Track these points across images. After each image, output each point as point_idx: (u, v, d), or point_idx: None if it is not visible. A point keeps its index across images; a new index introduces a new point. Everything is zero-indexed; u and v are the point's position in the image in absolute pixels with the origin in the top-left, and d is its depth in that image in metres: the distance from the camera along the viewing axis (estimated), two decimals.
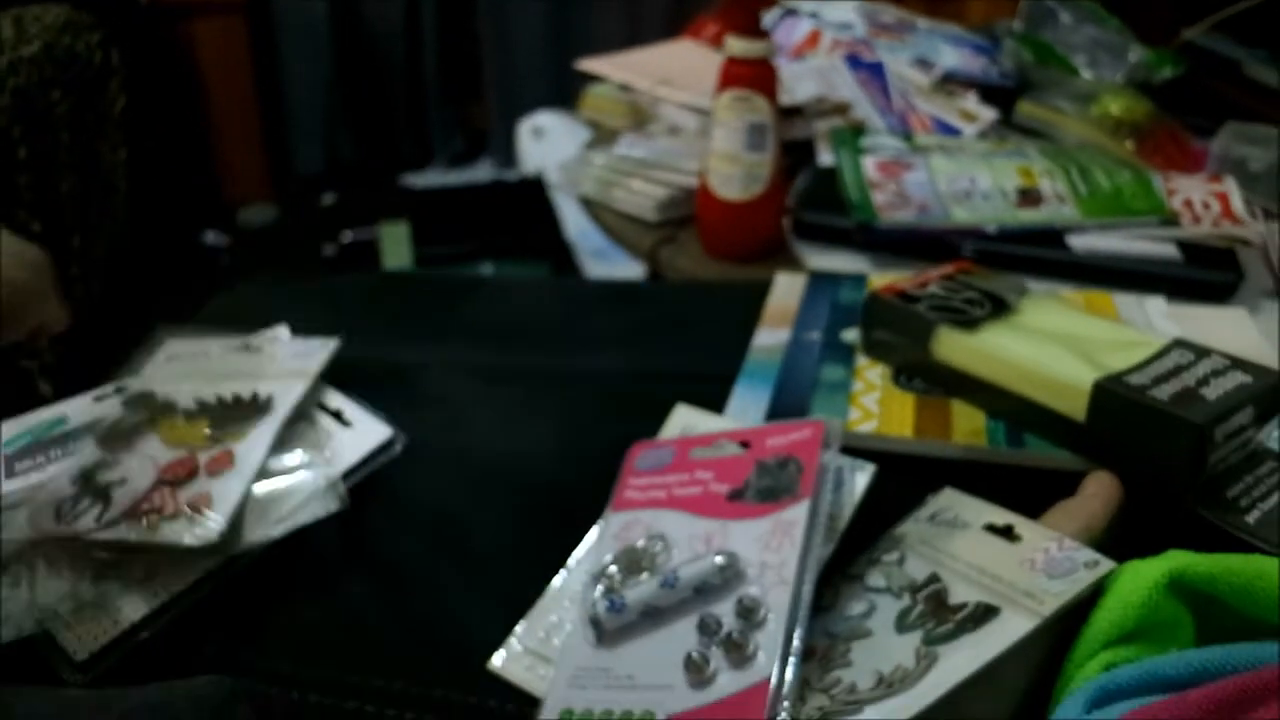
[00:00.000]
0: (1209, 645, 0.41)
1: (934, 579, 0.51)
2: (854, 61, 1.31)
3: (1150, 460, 0.56)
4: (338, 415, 0.68)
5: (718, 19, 1.74)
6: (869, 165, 1.09)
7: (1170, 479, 0.56)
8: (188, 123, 2.40)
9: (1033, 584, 0.48)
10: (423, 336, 0.83)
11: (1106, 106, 1.28)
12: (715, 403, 0.68)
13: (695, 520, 0.57)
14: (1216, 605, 0.45)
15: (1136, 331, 0.65)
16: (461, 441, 0.69)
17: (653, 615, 0.53)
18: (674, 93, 1.24)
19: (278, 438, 0.65)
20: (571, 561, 0.59)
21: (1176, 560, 0.46)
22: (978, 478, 0.61)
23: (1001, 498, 0.57)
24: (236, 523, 0.59)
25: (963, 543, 0.53)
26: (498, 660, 0.55)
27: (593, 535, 0.60)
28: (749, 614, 0.51)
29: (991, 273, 0.72)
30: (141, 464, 0.64)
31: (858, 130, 1.19)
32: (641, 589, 0.54)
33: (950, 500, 0.57)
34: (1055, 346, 0.62)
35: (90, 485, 0.63)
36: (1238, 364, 0.58)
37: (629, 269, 2.23)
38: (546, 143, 2.45)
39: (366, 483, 0.64)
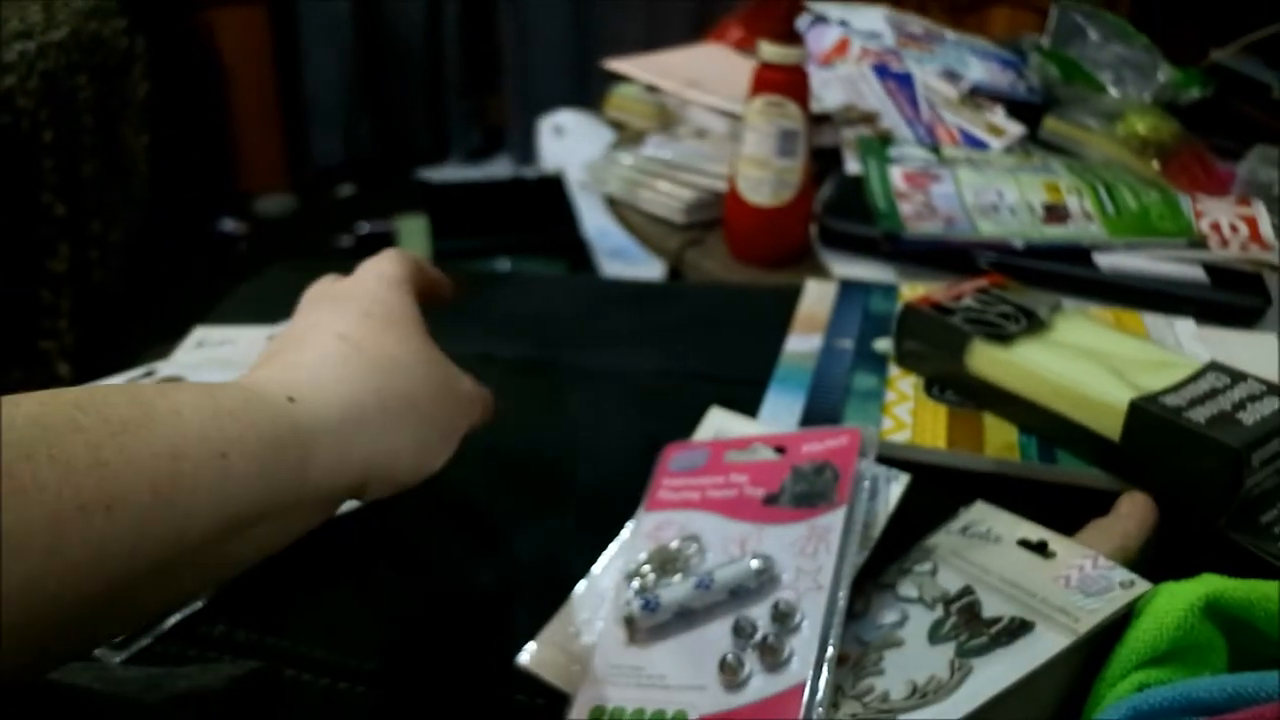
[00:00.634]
0: (1242, 670, 0.42)
1: (967, 591, 0.51)
2: (882, 71, 1.31)
3: (1185, 482, 0.56)
4: None
5: (742, 23, 1.74)
6: (896, 175, 1.09)
7: (1204, 502, 0.56)
8: (208, 111, 2.40)
9: (1067, 601, 0.48)
10: (451, 327, 0.83)
11: (1133, 125, 1.28)
12: (744, 406, 0.68)
13: (729, 523, 0.57)
14: (1250, 631, 0.45)
15: (1170, 352, 0.65)
16: (490, 434, 0.69)
17: (686, 616, 0.54)
18: (702, 95, 1.24)
19: None
20: (603, 559, 0.59)
21: (1212, 584, 0.46)
22: (1009, 492, 0.61)
23: (1033, 513, 0.57)
24: None
25: (996, 556, 0.53)
26: (526, 655, 0.55)
27: (624, 534, 0.60)
28: (784, 619, 0.51)
29: (1024, 287, 0.72)
30: None
31: (885, 139, 1.19)
32: (676, 589, 0.54)
33: (982, 513, 0.57)
34: (1090, 364, 0.62)
35: None
36: (1274, 389, 0.59)
37: (647, 269, 2.24)
38: (567, 141, 2.46)
39: None
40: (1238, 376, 0.60)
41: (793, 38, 0.98)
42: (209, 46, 2.44)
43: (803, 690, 0.48)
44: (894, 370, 0.70)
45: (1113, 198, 1.05)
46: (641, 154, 1.19)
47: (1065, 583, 0.49)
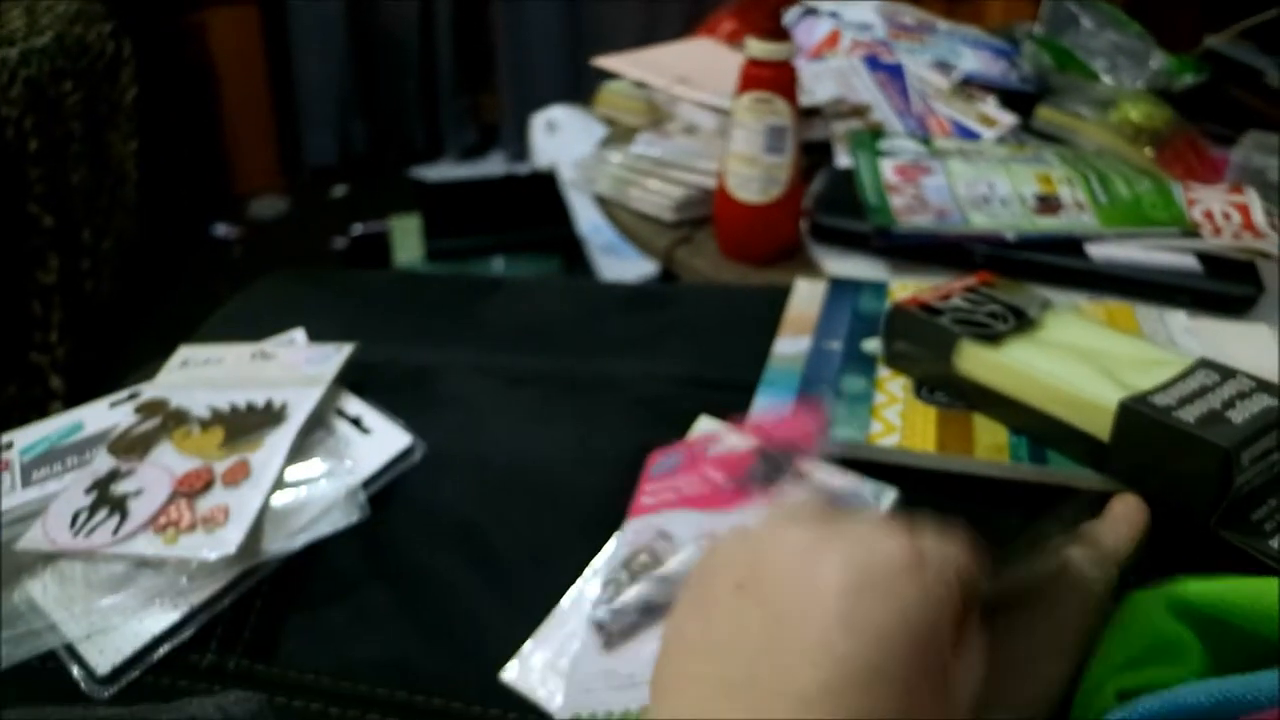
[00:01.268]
0: (1223, 668, 0.41)
1: None
2: (873, 63, 1.30)
3: (1175, 482, 0.56)
4: (356, 422, 0.68)
5: (734, 16, 1.73)
6: (887, 168, 1.08)
7: (1195, 501, 0.55)
8: (199, 113, 2.39)
9: None
10: (441, 338, 0.83)
11: (1126, 113, 1.27)
12: (736, 410, 0.68)
13: (701, 516, 0.57)
14: (1226, 627, 0.45)
15: (1160, 350, 0.64)
16: (481, 447, 0.68)
17: (654, 612, 0.53)
18: (691, 91, 1.23)
19: (294, 446, 0.64)
20: (587, 572, 0.59)
21: (1177, 585, 0.46)
22: (1000, 493, 0.61)
23: (1024, 513, 0.57)
24: (255, 535, 0.58)
25: None
26: (511, 672, 0.55)
27: (611, 545, 0.60)
28: None
29: (1014, 285, 0.71)
30: (157, 475, 0.63)
31: (876, 133, 1.18)
32: (638, 587, 0.54)
33: None
34: (1079, 363, 0.62)
35: (106, 496, 0.63)
36: (1264, 386, 0.58)
37: (641, 266, 2.23)
38: (560, 137, 2.45)
39: (385, 489, 0.64)
40: (1227, 373, 0.59)
41: (780, 33, 0.97)
42: (200, 48, 2.43)
43: None
44: (883, 371, 0.69)
45: (1105, 187, 1.05)
46: (631, 152, 1.19)
47: None
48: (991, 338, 0.64)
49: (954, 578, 0.36)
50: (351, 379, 0.71)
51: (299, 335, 0.78)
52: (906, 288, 0.79)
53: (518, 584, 0.60)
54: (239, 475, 0.62)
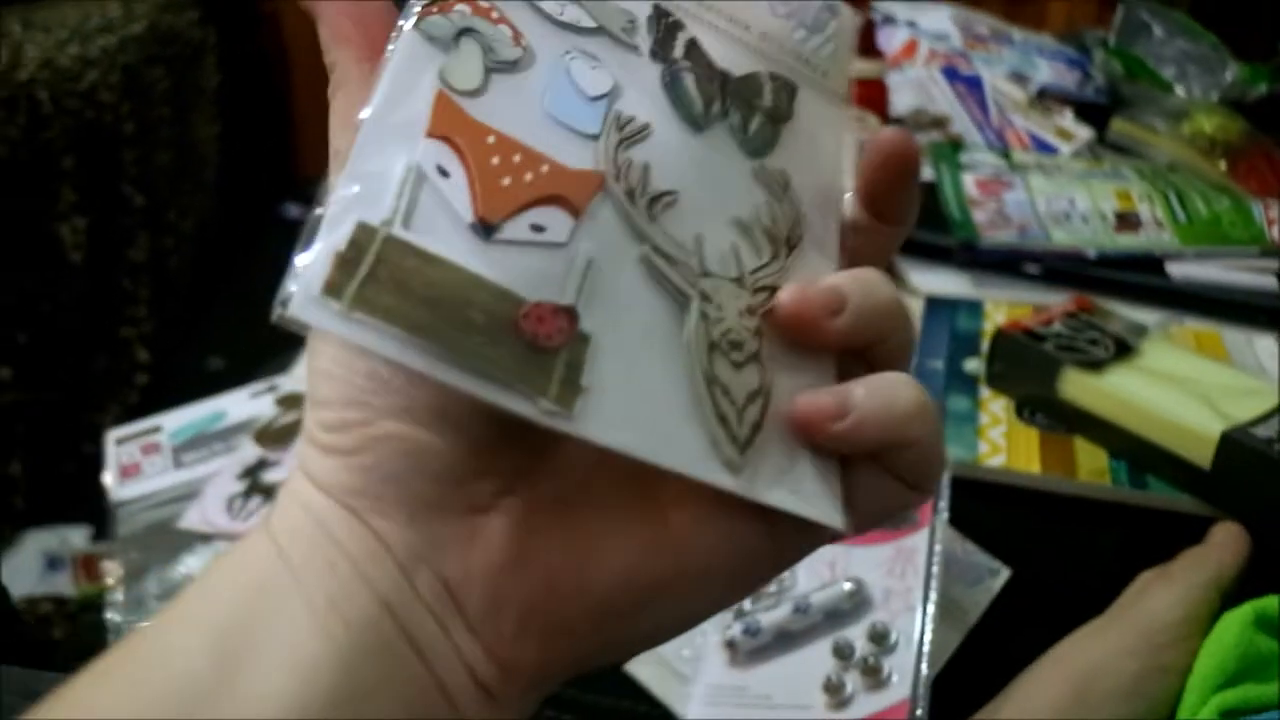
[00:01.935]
0: None
1: None
2: (951, 74, 1.33)
3: (1275, 510, 0.59)
4: None
5: None
6: (969, 182, 1.11)
7: None
8: (272, 98, 2.44)
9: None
10: None
11: (1200, 124, 1.29)
12: None
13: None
14: None
15: (1257, 379, 0.67)
16: None
17: (784, 638, 0.57)
18: None
19: None
20: None
21: (1260, 601, 0.49)
22: (1100, 516, 0.65)
23: (1123, 536, 0.60)
24: None
25: None
26: (633, 665, 0.59)
27: None
28: (880, 639, 0.55)
29: (1110, 311, 0.75)
30: None
31: (956, 145, 1.21)
32: (775, 614, 0.58)
33: None
34: (1179, 392, 0.65)
35: (257, 484, 0.67)
36: None
37: None
38: None
39: None
40: None
41: (872, 51, 1.01)
42: (274, 35, 2.48)
43: (905, 708, 0.52)
44: (984, 392, 0.73)
45: (1184, 205, 1.07)
46: None
47: None
48: (1094, 365, 0.68)
49: None
50: None
51: None
52: (1000, 307, 0.83)
53: None
54: None
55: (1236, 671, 0.49)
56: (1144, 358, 0.69)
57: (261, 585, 0.25)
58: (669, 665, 0.59)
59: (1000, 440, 0.68)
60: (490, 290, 0.25)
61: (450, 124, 0.27)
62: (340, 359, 0.26)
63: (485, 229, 0.26)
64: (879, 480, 0.28)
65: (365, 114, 0.27)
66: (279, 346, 0.82)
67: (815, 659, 0.56)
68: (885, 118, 1.01)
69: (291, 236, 0.25)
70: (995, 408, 0.71)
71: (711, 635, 0.58)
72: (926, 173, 1.18)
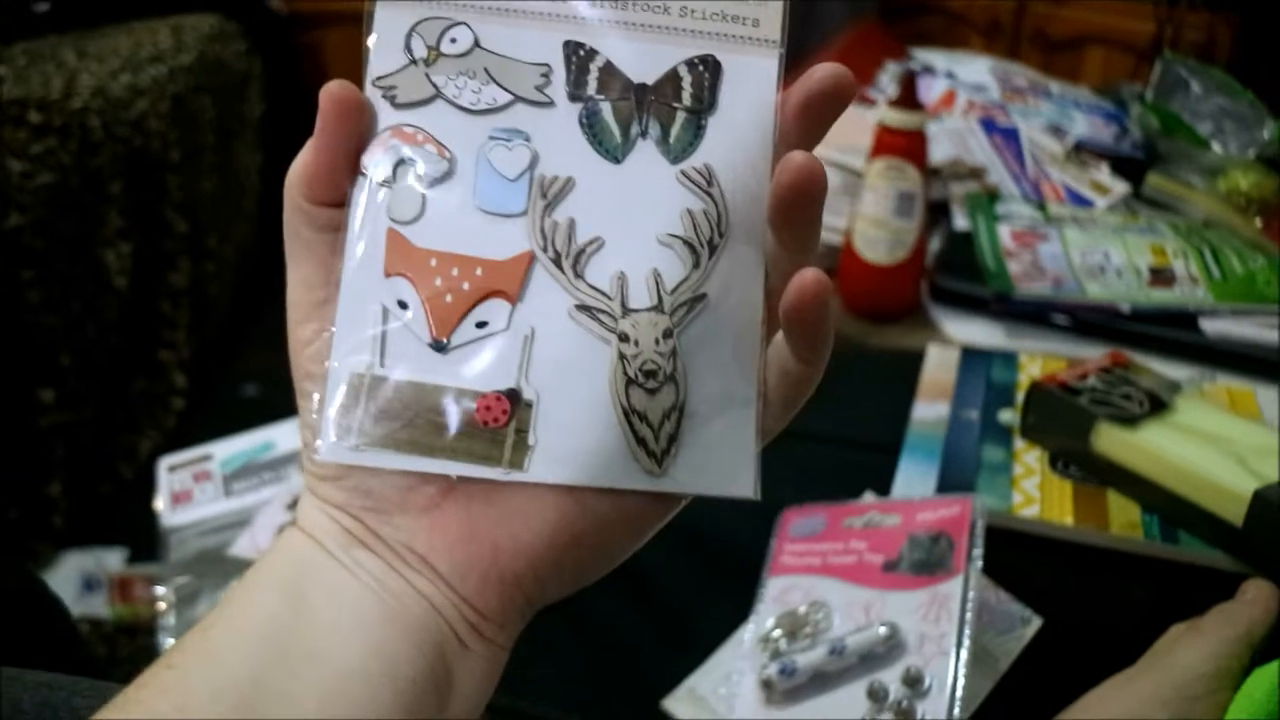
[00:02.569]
0: None
1: None
2: (989, 125, 1.35)
3: None
4: None
5: (838, 59, 1.78)
6: (1005, 234, 1.12)
7: None
8: (312, 127, 2.48)
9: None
10: None
11: (1235, 181, 1.30)
12: (869, 469, 0.72)
13: (853, 589, 0.62)
14: None
15: None
16: None
17: (820, 680, 0.58)
18: (820, 149, 1.28)
19: None
20: (748, 624, 0.64)
21: None
22: (1132, 568, 0.65)
23: (1154, 589, 0.61)
24: None
25: None
26: (673, 702, 0.60)
27: (760, 598, 0.65)
28: (915, 683, 0.56)
29: (1145, 368, 0.76)
30: None
31: (993, 196, 1.22)
32: (811, 655, 0.59)
33: None
34: (1213, 450, 0.66)
35: None
36: None
37: None
38: None
39: None
40: None
41: (915, 104, 1.02)
42: (316, 65, 2.52)
43: None
44: (1019, 442, 0.74)
45: (1219, 261, 1.08)
46: None
47: None
48: (1128, 420, 0.69)
49: None
50: None
51: None
52: (1035, 359, 0.84)
53: (675, 620, 0.65)
54: None
55: None
56: (1178, 414, 0.70)
57: (308, 557, 0.34)
58: (706, 704, 0.60)
59: (1034, 491, 0.69)
60: (452, 392, 0.33)
61: (400, 258, 0.34)
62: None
63: (439, 345, 0.33)
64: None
65: (343, 265, 0.33)
66: None
67: (850, 701, 0.57)
68: (924, 169, 1.03)
69: None
70: (1029, 459, 0.72)
71: (748, 675, 0.59)
72: (962, 223, 1.19)
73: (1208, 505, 0.64)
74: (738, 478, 0.34)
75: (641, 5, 0.35)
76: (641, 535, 0.35)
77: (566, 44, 0.35)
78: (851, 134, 1.06)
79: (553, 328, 0.33)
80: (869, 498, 0.70)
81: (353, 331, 0.33)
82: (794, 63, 0.36)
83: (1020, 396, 0.78)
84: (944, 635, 0.57)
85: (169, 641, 0.62)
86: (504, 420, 0.33)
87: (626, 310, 0.34)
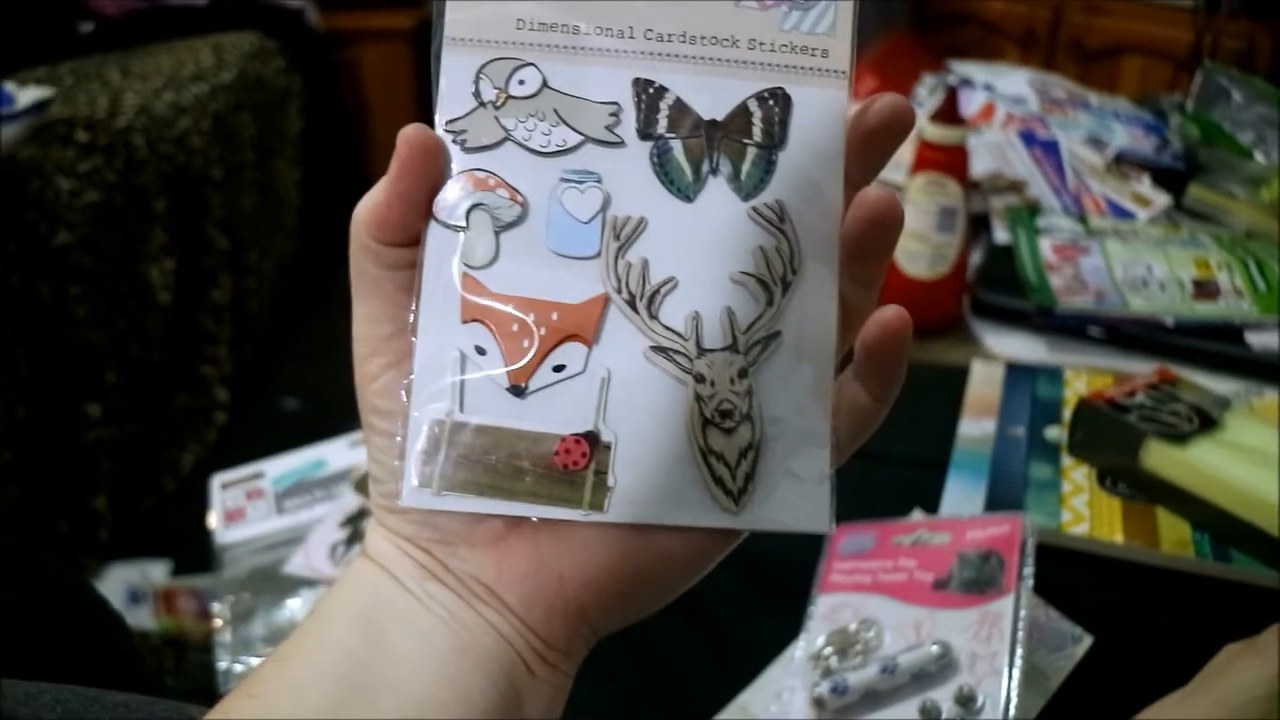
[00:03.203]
0: None
1: None
2: (1029, 138, 1.34)
3: None
4: None
5: (874, 72, 1.77)
6: (1046, 247, 1.12)
7: None
8: (353, 144, 2.51)
9: None
10: None
11: (1276, 190, 1.29)
12: (916, 486, 0.73)
13: (903, 607, 0.62)
14: None
15: None
16: None
17: (871, 698, 0.58)
18: None
19: None
20: (797, 642, 0.64)
21: None
22: (1184, 587, 0.65)
23: (1206, 608, 0.61)
24: None
25: None
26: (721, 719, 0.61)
27: (810, 616, 0.65)
28: (967, 703, 0.56)
29: (1193, 384, 0.76)
30: None
31: (1033, 209, 1.22)
32: (863, 674, 0.59)
33: None
34: (1264, 467, 0.66)
35: (358, 532, 0.70)
36: None
37: None
38: None
39: None
40: None
41: (956, 119, 1.02)
42: (355, 81, 2.55)
43: None
44: (1066, 460, 0.74)
45: (1263, 273, 1.07)
46: None
47: None
48: (1177, 437, 0.68)
49: None
50: None
51: None
52: (1080, 374, 0.84)
53: (725, 637, 0.65)
54: None
55: None
56: (1227, 431, 0.70)
57: (382, 589, 0.34)
58: None
59: (1083, 509, 0.69)
60: (530, 438, 0.34)
61: (476, 304, 0.34)
62: (386, 448, 0.34)
63: (518, 390, 0.34)
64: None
65: (417, 312, 0.34)
66: (351, 391, 0.85)
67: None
68: (965, 183, 1.03)
69: None
70: (1077, 476, 0.72)
71: (799, 692, 0.59)
72: (1002, 236, 1.19)
73: (1259, 524, 0.64)
74: (814, 514, 0.34)
75: (710, 39, 0.35)
76: (704, 567, 0.36)
77: (635, 81, 0.35)
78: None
79: (629, 370, 0.34)
80: (917, 515, 0.70)
81: (432, 379, 0.34)
82: None
83: (1066, 413, 0.78)
84: (995, 654, 0.57)
85: (225, 659, 0.62)
86: (583, 463, 0.34)
87: (701, 351, 0.34)
